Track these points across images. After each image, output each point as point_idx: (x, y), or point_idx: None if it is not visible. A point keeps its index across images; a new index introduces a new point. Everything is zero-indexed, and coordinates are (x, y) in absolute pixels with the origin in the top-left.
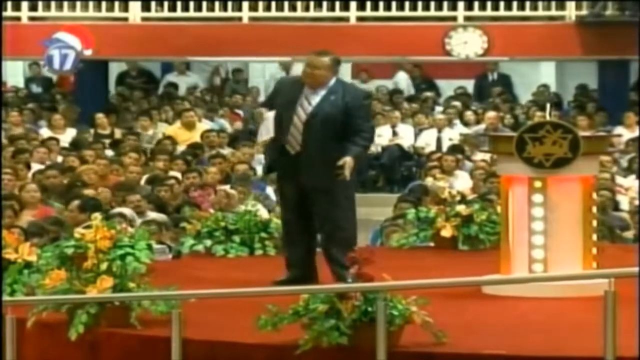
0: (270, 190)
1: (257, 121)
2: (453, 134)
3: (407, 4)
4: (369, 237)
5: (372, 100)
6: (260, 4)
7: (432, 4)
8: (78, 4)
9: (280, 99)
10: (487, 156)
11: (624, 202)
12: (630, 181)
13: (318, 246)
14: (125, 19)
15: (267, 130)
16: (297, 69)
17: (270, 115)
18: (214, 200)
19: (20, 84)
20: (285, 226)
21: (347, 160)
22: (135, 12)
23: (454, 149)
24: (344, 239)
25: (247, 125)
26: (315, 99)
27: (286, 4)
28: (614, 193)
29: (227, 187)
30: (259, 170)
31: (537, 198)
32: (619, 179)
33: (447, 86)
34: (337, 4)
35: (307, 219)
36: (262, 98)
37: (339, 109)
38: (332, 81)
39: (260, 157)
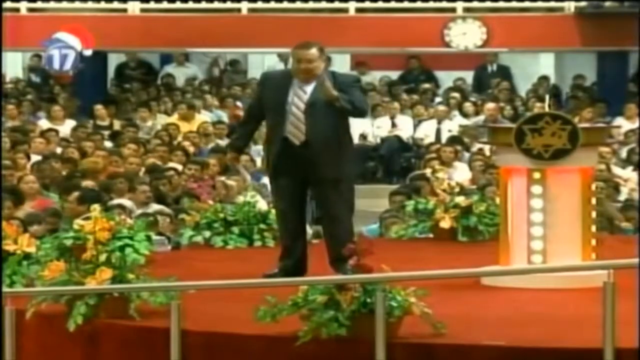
0: (267, 180)
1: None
2: (452, 125)
3: None
4: (364, 229)
5: (364, 86)
6: None
7: None
8: None
9: (269, 93)
10: (487, 147)
11: (623, 193)
12: (629, 172)
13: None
14: (125, 11)
15: (242, 173)
16: None
17: (239, 160)
18: (214, 191)
19: (20, 75)
20: (283, 217)
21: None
22: (134, 4)
23: (453, 140)
24: (345, 230)
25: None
26: (309, 88)
27: None
28: (617, 185)
29: (224, 178)
30: (258, 161)
31: (536, 189)
32: (617, 170)
33: (447, 77)
34: None
35: (302, 210)
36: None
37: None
38: (321, 71)
39: (259, 147)
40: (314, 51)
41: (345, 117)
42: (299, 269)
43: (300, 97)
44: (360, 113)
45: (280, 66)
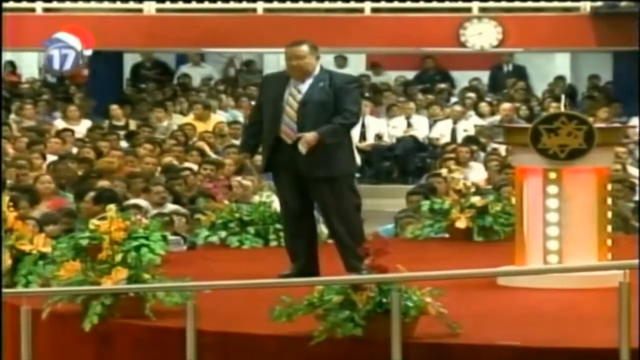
0: None
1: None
2: (468, 125)
3: None
4: (380, 229)
5: (361, 86)
6: None
7: None
8: None
9: (267, 94)
10: (502, 147)
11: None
12: None
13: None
14: (140, 11)
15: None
16: None
17: (249, 162)
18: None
19: (36, 75)
20: (287, 220)
21: (307, 135)
22: (149, 4)
23: (469, 140)
24: (354, 229)
25: None
26: (304, 87)
27: None
28: (632, 185)
29: (239, 178)
30: None
31: (552, 189)
32: (633, 170)
33: (462, 77)
34: None
35: (308, 210)
36: None
37: (329, 94)
38: (318, 69)
39: None
40: (304, 48)
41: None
42: (313, 270)
43: (294, 96)
44: (352, 124)
45: None
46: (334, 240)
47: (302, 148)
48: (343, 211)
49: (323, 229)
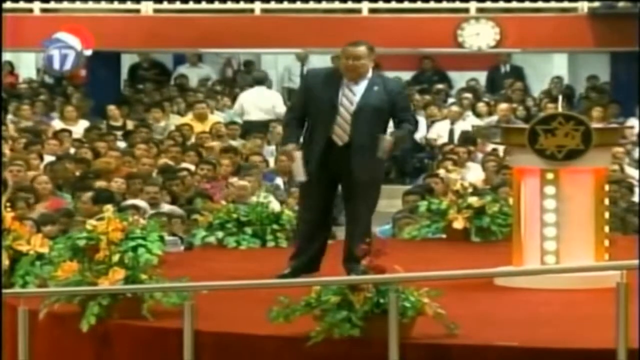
0: (279, 181)
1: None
2: (465, 126)
3: None
4: (378, 230)
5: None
6: None
7: None
8: None
9: (316, 93)
10: (500, 148)
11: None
12: None
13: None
14: (137, 11)
15: (298, 172)
16: (314, 61)
17: (299, 155)
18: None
19: (33, 75)
20: (306, 223)
21: (387, 138)
22: (147, 4)
23: (466, 141)
24: (365, 231)
25: None
26: (359, 90)
27: None
28: (630, 185)
29: (236, 179)
30: (271, 161)
31: (549, 190)
32: (630, 170)
33: (460, 78)
34: None
35: (326, 213)
36: (274, 88)
37: (384, 99)
38: (370, 72)
39: (271, 148)
40: (362, 49)
41: (388, 123)
42: (310, 267)
43: (349, 98)
44: (416, 130)
45: (296, 66)
46: (345, 238)
47: (382, 154)
48: (363, 213)
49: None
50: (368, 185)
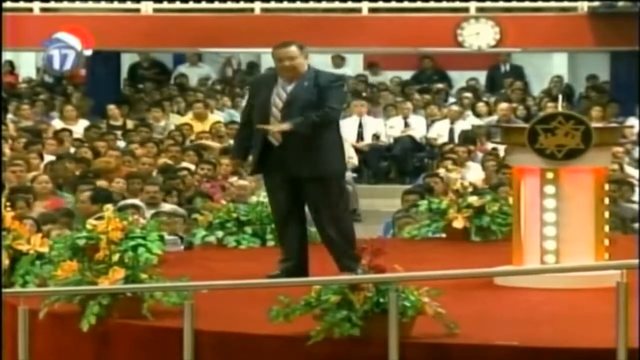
0: None
1: None
2: (465, 126)
3: None
4: (381, 228)
5: (346, 84)
6: None
7: None
8: None
9: (257, 98)
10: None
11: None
12: None
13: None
14: (137, 10)
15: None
16: (312, 61)
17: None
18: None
19: (33, 75)
20: (278, 222)
21: (277, 125)
22: (147, 4)
23: (466, 140)
24: (345, 229)
25: None
26: (290, 87)
27: None
28: (631, 185)
29: (236, 179)
30: None
31: (549, 189)
32: (630, 170)
33: (459, 77)
34: None
35: (299, 212)
36: None
37: (313, 92)
38: (305, 69)
39: None
40: (293, 49)
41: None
42: (303, 270)
43: (280, 96)
44: (329, 119)
45: None
46: (323, 240)
47: (274, 140)
48: (333, 211)
49: (312, 229)
50: (315, 181)
